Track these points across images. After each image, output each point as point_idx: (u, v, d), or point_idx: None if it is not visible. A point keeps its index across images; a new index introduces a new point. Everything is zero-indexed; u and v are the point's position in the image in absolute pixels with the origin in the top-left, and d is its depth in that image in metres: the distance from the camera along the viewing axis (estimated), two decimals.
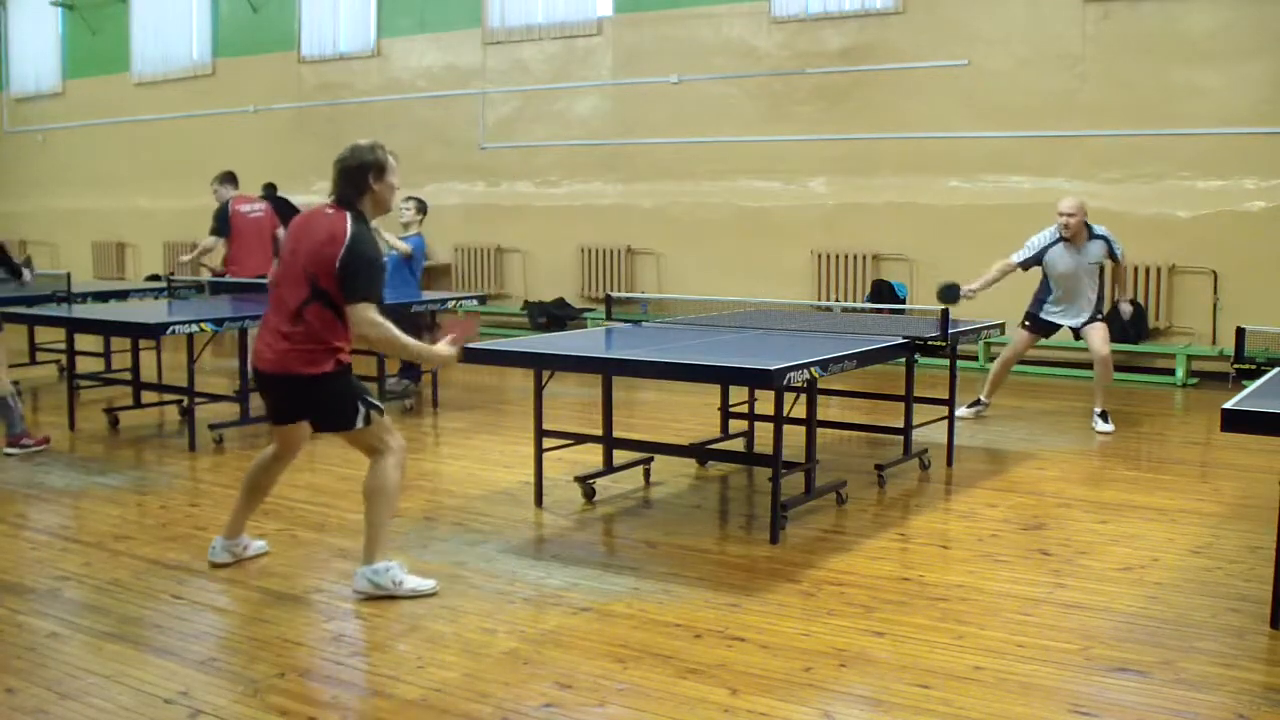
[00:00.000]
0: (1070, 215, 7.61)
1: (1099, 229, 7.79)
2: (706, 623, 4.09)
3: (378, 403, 4.38)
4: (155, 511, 5.62)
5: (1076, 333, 7.89)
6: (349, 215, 4.21)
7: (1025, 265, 7.81)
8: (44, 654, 3.77)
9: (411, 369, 9.02)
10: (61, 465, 6.65)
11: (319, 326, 4.19)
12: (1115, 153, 10.29)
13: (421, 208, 9.19)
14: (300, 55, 15.22)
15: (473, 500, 5.87)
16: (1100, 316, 7.87)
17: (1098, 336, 7.76)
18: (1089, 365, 10.36)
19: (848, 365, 5.38)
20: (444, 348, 4.40)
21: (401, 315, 8.72)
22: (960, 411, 7.59)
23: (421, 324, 8.67)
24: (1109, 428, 7.72)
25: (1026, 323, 8.02)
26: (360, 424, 4.29)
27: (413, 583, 4.35)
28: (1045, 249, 7.75)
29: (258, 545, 4.85)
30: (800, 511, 5.47)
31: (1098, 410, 7.81)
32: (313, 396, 4.31)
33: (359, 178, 4.25)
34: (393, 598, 4.29)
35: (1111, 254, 7.80)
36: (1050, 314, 7.89)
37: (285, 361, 4.23)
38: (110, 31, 17.11)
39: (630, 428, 7.06)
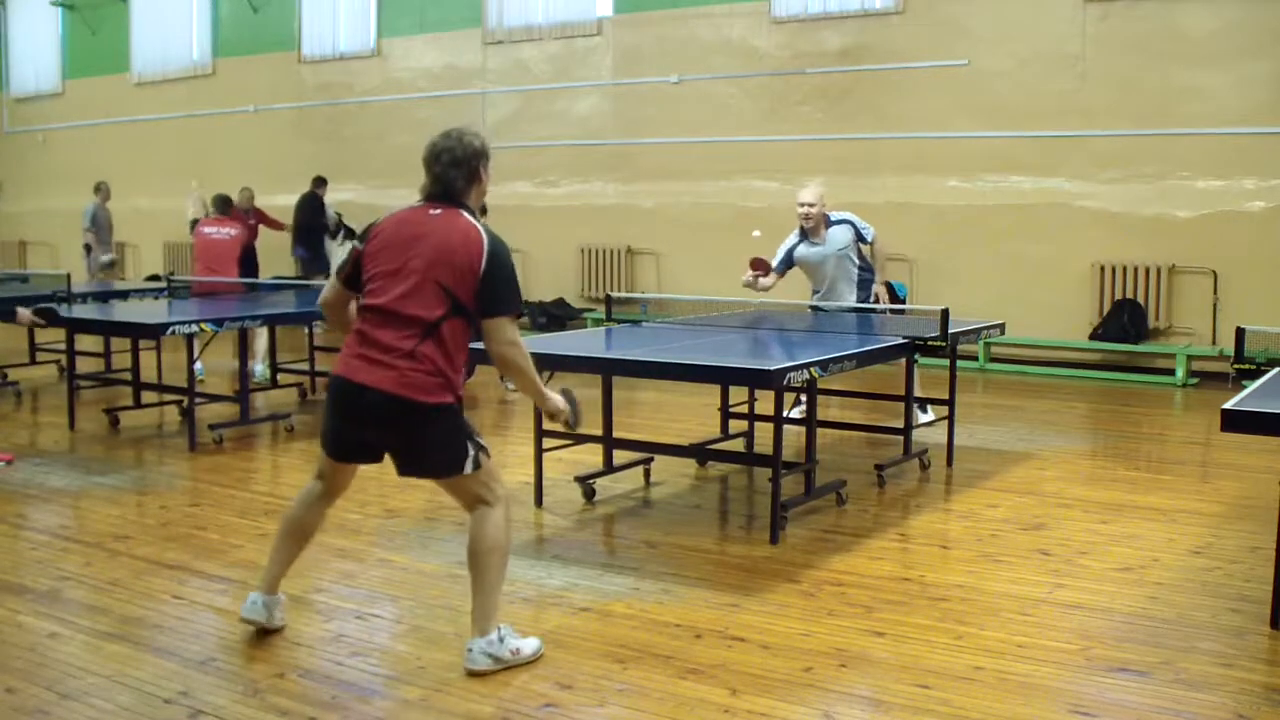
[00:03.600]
0: (810, 205, 7.27)
1: (839, 215, 7.46)
2: (706, 623, 4.09)
3: (485, 444, 3.74)
4: (155, 511, 5.62)
5: None
6: (467, 214, 3.66)
7: (781, 272, 7.50)
8: (44, 654, 3.77)
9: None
10: (61, 465, 6.65)
11: (452, 347, 3.60)
12: (1115, 153, 10.29)
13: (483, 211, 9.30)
14: (300, 55, 15.22)
15: None
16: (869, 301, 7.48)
17: None
18: (1089, 365, 10.40)
19: (848, 365, 5.38)
20: (560, 401, 3.90)
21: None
22: (793, 413, 7.24)
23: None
24: (929, 417, 7.26)
25: None
26: (470, 468, 3.64)
27: (528, 648, 3.73)
28: (791, 250, 7.45)
29: (282, 613, 4.01)
30: (800, 511, 5.47)
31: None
32: (423, 431, 3.63)
33: (471, 168, 3.69)
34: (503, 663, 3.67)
35: (859, 236, 7.44)
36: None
37: (405, 383, 3.54)
38: (110, 31, 17.11)
39: (630, 428, 7.05)
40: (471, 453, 3.65)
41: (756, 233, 7.14)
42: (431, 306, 3.57)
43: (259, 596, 3.92)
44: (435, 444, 3.65)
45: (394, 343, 3.57)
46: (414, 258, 3.61)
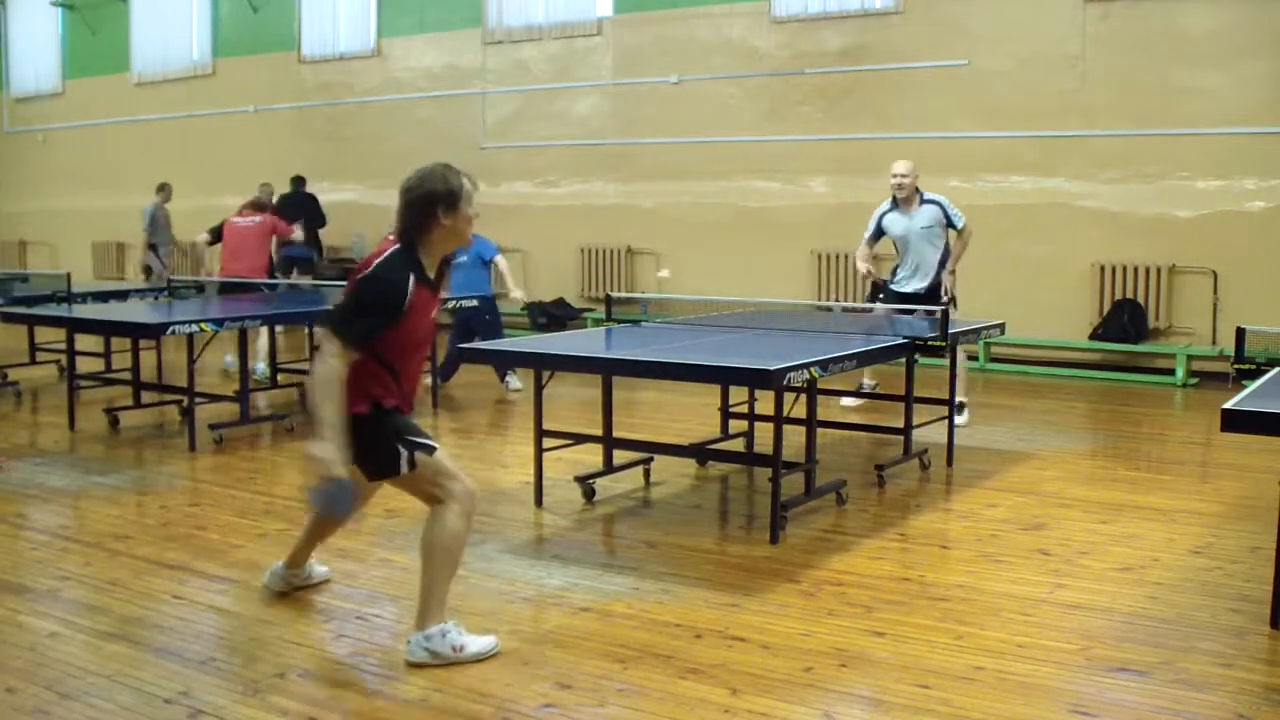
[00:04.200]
0: (903, 176, 7.71)
1: (932, 195, 7.85)
2: (706, 623, 4.09)
3: (427, 441, 3.80)
4: (155, 511, 5.62)
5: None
6: (396, 247, 3.73)
7: (872, 240, 7.99)
8: (44, 654, 3.77)
9: (447, 369, 9.25)
10: (61, 465, 6.65)
11: (359, 365, 3.67)
12: (1115, 153, 10.29)
13: None
14: (300, 55, 15.22)
15: None
16: (946, 294, 7.78)
17: None
18: (1089, 365, 10.40)
19: (848, 365, 5.38)
20: (324, 454, 3.59)
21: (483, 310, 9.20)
22: (848, 401, 7.82)
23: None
24: (962, 420, 7.49)
25: (880, 295, 8.04)
26: (405, 469, 3.74)
27: (475, 645, 3.78)
28: (881, 217, 7.91)
29: (321, 571, 4.49)
30: (800, 511, 5.47)
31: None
32: (353, 438, 3.70)
33: (424, 210, 3.73)
34: (455, 665, 3.72)
35: (948, 221, 7.78)
36: (897, 283, 7.92)
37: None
38: (110, 31, 17.11)
39: (630, 428, 7.05)
40: (404, 453, 3.73)
41: (664, 272, 7.61)
42: None
43: (281, 568, 4.37)
44: (362, 450, 3.73)
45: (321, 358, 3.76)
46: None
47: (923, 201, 7.78)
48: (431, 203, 3.72)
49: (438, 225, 3.75)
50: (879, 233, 7.92)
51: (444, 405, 8.70)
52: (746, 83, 12.08)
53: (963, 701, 3.43)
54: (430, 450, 3.77)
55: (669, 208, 12.61)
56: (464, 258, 9.25)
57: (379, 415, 3.74)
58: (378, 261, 3.71)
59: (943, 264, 7.84)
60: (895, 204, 7.82)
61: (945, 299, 7.65)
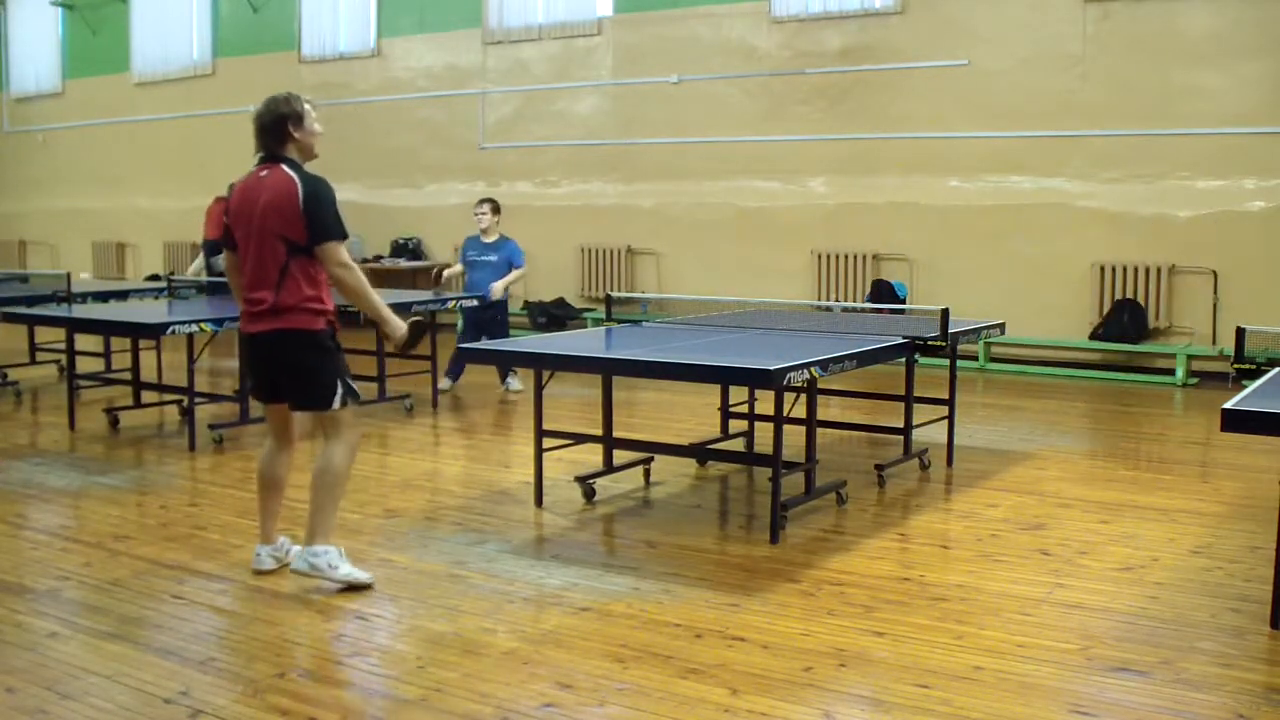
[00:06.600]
0: None
1: None
2: (706, 623, 4.09)
3: (358, 392, 4.45)
4: (155, 511, 5.62)
5: None
6: (284, 165, 4.33)
7: None
8: (44, 654, 3.77)
9: (456, 369, 9.25)
10: (61, 465, 6.65)
11: (304, 278, 4.27)
12: (1115, 153, 10.29)
13: (496, 208, 9.37)
14: (300, 55, 15.22)
15: (473, 500, 5.87)
16: None
17: None
18: (1089, 365, 10.40)
19: (848, 365, 5.38)
20: (399, 321, 4.47)
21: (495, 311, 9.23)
22: None
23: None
24: None
25: None
26: (336, 405, 4.34)
27: (347, 571, 4.37)
28: None
29: (297, 548, 4.69)
30: (800, 511, 5.47)
31: None
32: (301, 357, 4.30)
33: (278, 131, 4.36)
34: (329, 583, 4.35)
35: None
36: None
37: (280, 318, 4.28)
38: (110, 31, 17.11)
39: (630, 428, 7.05)
40: (340, 392, 4.34)
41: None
42: (276, 253, 4.26)
43: (262, 549, 4.64)
44: (309, 371, 4.32)
45: (262, 295, 4.29)
46: (255, 221, 4.30)
47: None
48: (283, 121, 4.36)
49: (292, 141, 4.38)
50: None
51: (445, 405, 8.70)
52: (746, 83, 12.08)
53: (963, 701, 3.43)
54: (358, 399, 4.43)
55: (669, 208, 12.61)
56: (494, 258, 9.26)
57: (330, 340, 4.34)
58: (303, 176, 4.28)
59: None
60: None
61: None
